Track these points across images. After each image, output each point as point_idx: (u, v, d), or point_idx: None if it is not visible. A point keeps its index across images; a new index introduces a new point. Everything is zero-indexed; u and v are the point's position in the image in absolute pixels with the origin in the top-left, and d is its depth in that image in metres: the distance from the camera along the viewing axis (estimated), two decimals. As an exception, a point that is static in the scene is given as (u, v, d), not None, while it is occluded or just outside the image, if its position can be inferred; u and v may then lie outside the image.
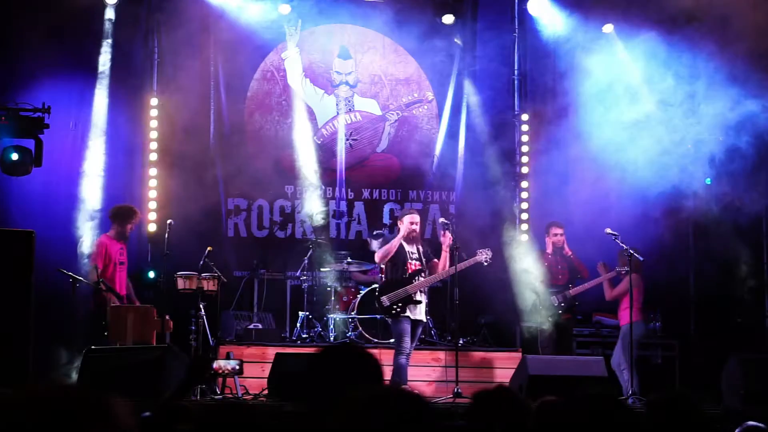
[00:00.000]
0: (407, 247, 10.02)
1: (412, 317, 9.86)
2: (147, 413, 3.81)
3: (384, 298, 9.93)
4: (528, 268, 12.16)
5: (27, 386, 1.87)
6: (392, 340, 11.25)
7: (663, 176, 12.47)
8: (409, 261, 9.99)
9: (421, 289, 9.95)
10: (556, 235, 11.10)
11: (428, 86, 13.40)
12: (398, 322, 9.89)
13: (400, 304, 9.85)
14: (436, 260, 10.13)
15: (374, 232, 12.42)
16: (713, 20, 11.74)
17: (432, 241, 11.85)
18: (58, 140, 11.19)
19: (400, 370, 9.78)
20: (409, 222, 10.00)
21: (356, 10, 13.04)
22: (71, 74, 11.79)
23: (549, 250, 11.16)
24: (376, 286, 11.60)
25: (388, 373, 10.86)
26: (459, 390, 9.57)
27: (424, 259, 10.04)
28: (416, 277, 9.94)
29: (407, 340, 9.81)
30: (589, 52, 12.69)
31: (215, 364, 9.16)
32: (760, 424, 4.02)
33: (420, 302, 9.91)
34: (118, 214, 10.57)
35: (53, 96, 10.66)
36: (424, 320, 10.18)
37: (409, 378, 10.32)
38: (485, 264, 10.20)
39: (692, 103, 12.18)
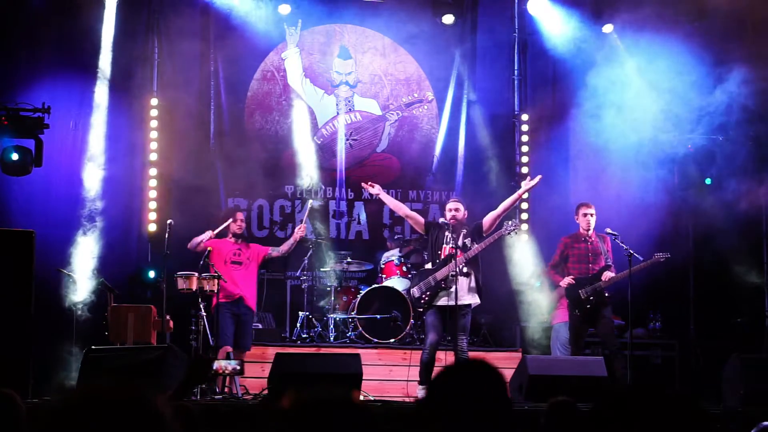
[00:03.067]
0: (447, 232, 9.61)
1: (440, 305, 9.47)
2: None
3: (414, 290, 9.66)
4: (526, 267, 12.21)
5: (74, 391, 1.86)
6: (392, 341, 11.28)
7: (663, 176, 12.49)
8: (445, 245, 9.60)
9: (454, 273, 9.40)
10: (585, 215, 10.40)
11: (428, 86, 13.41)
12: (426, 314, 9.66)
13: (428, 293, 9.53)
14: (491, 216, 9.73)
15: (395, 237, 12.44)
16: (715, 19, 11.75)
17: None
18: (58, 140, 11.20)
19: (420, 368, 9.54)
20: (447, 209, 9.74)
21: (356, 10, 13.06)
22: (71, 74, 11.78)
23: (582, 231, 10.43)
24: (377, 286, 11.61)
25: (379, 373, 10.84)
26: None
27: (466, 241, 9.53)
28: (448, 262, 9.51)
29: (431, 335, 9.49)
30: (589, 52, 12.71)
31: (216, 365, 9.16)
32: None
33: (450, 288, 9.42)
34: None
35: (53, 96, 10.66)
36: (462, 304, 9.37)
37: (408, 379, 10.30)
38: (507, 234, 9.78)
39: (692, 102, 12.18)
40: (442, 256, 9.59)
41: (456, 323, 9.42)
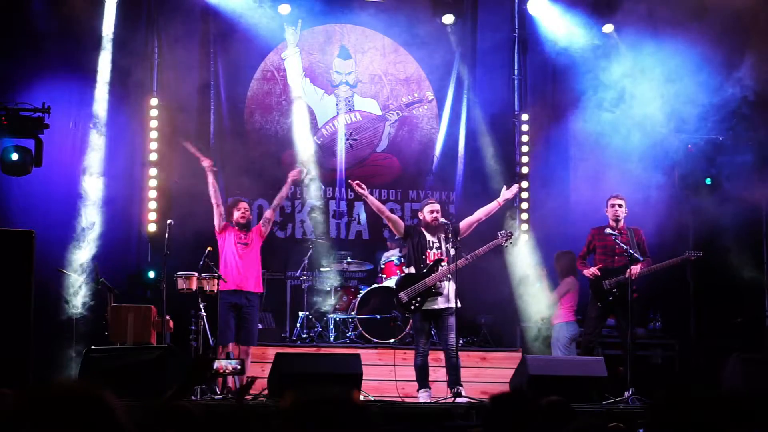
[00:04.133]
0: (428, 237, 9.68)
1: (430, 308, 9.54)
2: None
3: (402, 294, 9.63)
4: (526, 268, 12.20)
5: (29, 387, 1.87)
6: (392, 341, 11.27)
7: (663, 176, 12.48)
8: (429, 250, 9.65)
9: (442, 279, 9.56)
10: (613, 206, 10.23)
11: (428, 86, 13.40)
12: (414, 319, 9.77)
13: (419, 299, 9.55)
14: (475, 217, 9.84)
15: (395, 237, 12.45)
16: (716, 19, 11.74)
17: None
18: (58, 140, 11.19)
19: (416, 373, 9.63)
20: (429, 211, 9.74)
21: (356, 10, 13.05)
22: (71, 74, 11.78)
23: (610, 223, 10.27)
24: (377, 286, 11.61)
25: (379, 373, 10.84)
26: (459, 390, 9.54)
27: (447, 245, 9.58)
28: (436, 268, 9.57)
29: (422, 340, 9.62)
30: (589, 52, 12.70)
31: (216, 364, 9.16)
32: None
33: (440, 293, 9.53)
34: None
35: (53, 96, 10.65)
36: (451, 306, 9.50)
37: (396, 379, 10.29)
38: (503, 244, 9.81)
39: (693, 102, 12.17)
40: (428, 261, 9.64)
41: (445, 324, 9.54)
